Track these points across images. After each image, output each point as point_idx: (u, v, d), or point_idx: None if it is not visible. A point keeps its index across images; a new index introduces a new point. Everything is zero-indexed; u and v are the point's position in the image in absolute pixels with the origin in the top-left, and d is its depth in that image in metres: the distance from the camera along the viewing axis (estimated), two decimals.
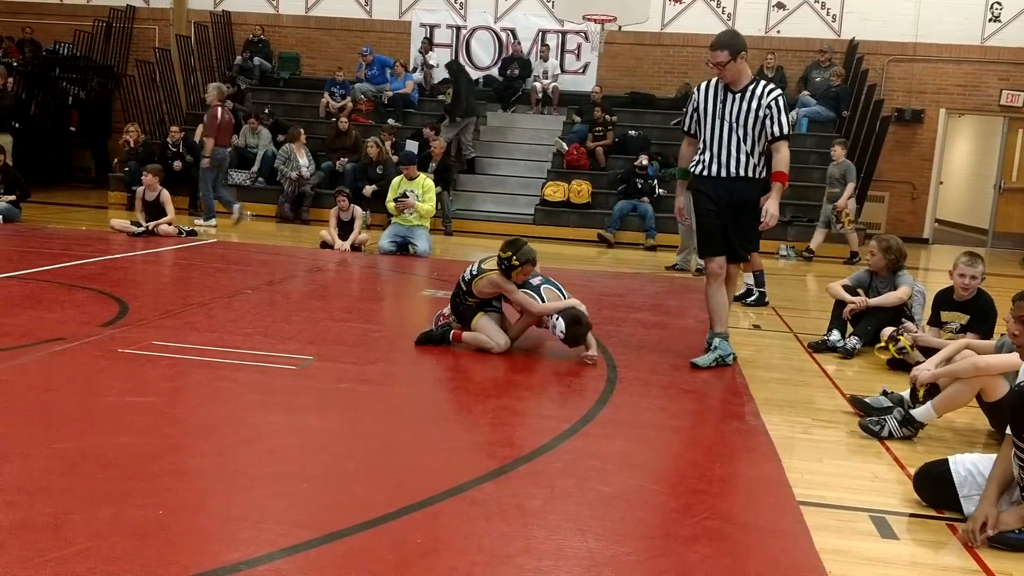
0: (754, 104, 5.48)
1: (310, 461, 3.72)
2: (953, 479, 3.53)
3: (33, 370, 4.84)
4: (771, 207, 5.47)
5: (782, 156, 5.55)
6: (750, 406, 4.88)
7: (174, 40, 17.68)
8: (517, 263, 5.61)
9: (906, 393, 4.78)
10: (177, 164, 13.93)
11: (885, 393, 4.91)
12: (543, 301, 5.68)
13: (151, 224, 10.77)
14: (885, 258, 6.58)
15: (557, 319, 5.51)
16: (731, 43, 5.45)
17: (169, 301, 6.94)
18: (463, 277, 5.86)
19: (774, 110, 5.47)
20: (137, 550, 2.79)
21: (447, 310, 6.08)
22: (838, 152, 12.36)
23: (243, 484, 3.44)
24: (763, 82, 5.61)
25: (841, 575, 2.96)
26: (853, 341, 6.39)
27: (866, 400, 4.87)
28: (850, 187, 12.21)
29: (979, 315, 5.86)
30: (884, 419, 4.51)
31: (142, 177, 11.12)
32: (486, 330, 5.71)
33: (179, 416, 4.26)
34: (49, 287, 7.23)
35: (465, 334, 5.75)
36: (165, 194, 10.95)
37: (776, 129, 5.49)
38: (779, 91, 5.60)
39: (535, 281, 5.81)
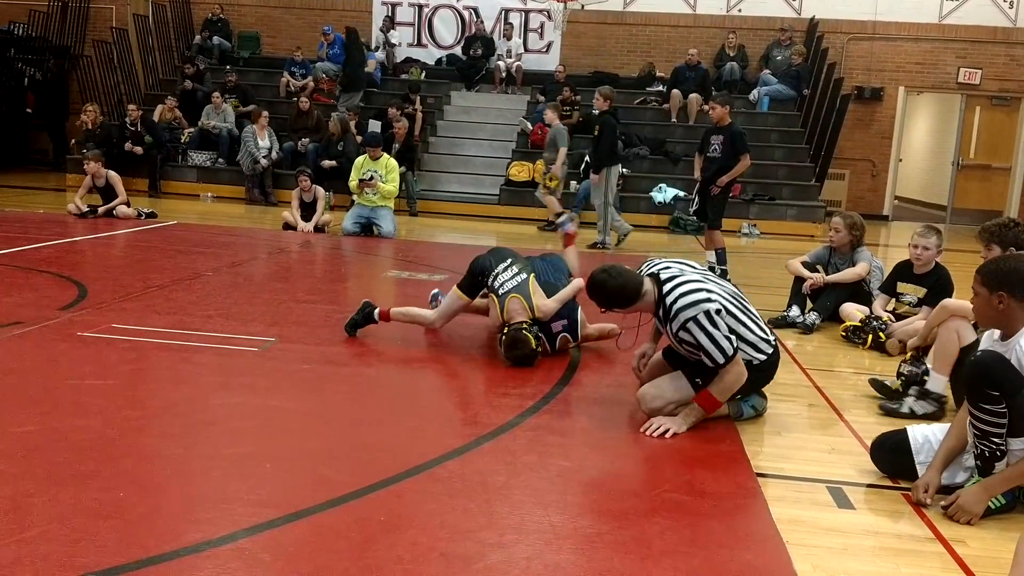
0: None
1: (272, 441, 3.72)
2: (910, 446, 3.61)
3: None
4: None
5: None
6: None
7: (132, 20, 17.37)
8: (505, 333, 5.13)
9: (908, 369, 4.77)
10: (137, 149, 13.74)
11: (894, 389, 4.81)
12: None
13: (102, 208, 10.62)
14: (850, 235, 6.66)
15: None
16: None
17: (129, 284, 6.87)
18: (499, 284, 5.25)
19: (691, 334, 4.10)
20: (98, 532, 2.79)
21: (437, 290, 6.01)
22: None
23: (205, 465, 3.43)
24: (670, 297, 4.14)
25: (798, 544, 3.02)
26: (812, 317, 6.48)
27: (887, 383, 4.83)
28: (562, 152, 12.02)
29: (936, 288, 5.96)
30: (902, 399, 4.58)
31: (84, 166, 10.87)
32: (441, 306, 5.62)
33: (140, 398, 4.23)
34: (6, 271, 7.12)
35: (394, 311, 5.57)
36: (113, 176, 10.76)
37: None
38: (689, 310, 4.05)
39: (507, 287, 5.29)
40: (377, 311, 5.58)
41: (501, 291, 5.22)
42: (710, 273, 4.47)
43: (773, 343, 4.36)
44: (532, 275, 5.33)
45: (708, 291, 4.10)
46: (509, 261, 5.38)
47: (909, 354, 5.05)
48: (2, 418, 3.79)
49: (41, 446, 3.48)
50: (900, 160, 17.22)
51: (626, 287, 4.13)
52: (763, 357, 4.28)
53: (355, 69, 15.13)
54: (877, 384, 4.88)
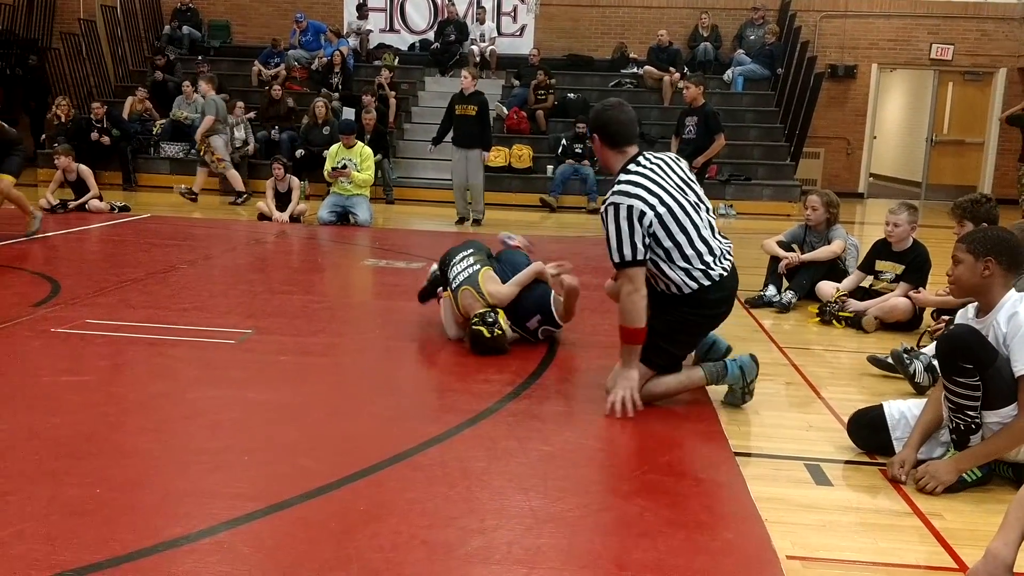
0: None
1: (251, 434, 3.70)
2: (887, 422, 3.64)
3: None
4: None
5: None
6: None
7: (99, 10, 17.13)
8: (475, 322, 5.02)
9: (929, 350, 4.70)
10: (105, 139, 13.59)
11: (906, 351, 4.77)
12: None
13: (74, 203, 10.51)
14: (827, 212, 6.69)
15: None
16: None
17: (102, 278, 6.80)
18: (454, 275, 5.20)
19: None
20: (75, 529, 2.76)
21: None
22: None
23: (183, 459, 3.41)
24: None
25: (776, 521, 3.04)
26: (789, 295, 6.51)
27: (887, 360, 4.81)
28: (208, 120, 12.19)
29: (913, 265, 6.02)
30: (914, 359, 4.58)
31: (55, 160, 10.76)
32: (444, 318, 5.36)
33: (116, 394, 4.20)
34: None
35: (444, 301, 5.38)
36: (84, 169, 10.68)
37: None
38: (616, 192, 4.02)
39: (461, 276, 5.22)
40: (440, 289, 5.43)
41: (454, 285, 5.17)
42: (682, 183, 4.12)
43: (717, 278, 4.04)
44: (486, 267, 5.21)
45: (649, 193, 3.92)
46: (468, 252, 5.32)
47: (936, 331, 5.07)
48: None
49: (15, 444, 3.45)
50: (875, 137, 17.30)
51: (623, 127, 4.09)
52: (694, 285, 4.01)
53: None
54: (878, 361, 4.88)
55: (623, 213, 3.92)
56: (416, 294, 5.73)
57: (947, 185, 16.55)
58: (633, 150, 4.14)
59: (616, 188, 4.02)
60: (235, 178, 12.89)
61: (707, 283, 4.04)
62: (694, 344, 4.36)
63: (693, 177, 4.28)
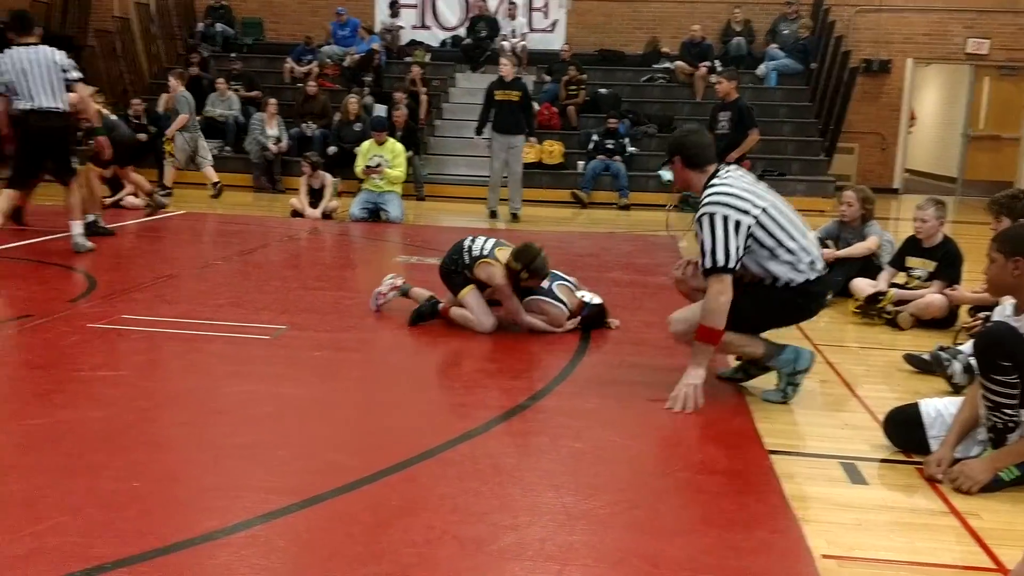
0: None
1: (285, 428, 3.73)
2: (923, 420, 3.60)
3: (2, 347, 4.80)
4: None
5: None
6: (720, 360, 4.91)
7: (134, 8, 17.33)
8: (526, 276, 5.22)
9: (966, 348, 4.64)
10: (142, 136, 13.75)
11: (941, 349, 4.76)
12: (559, 302, 5.40)
13: (109, 199, 10.63)
14: (863, 208, 6.62)
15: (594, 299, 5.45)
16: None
17: (138, 274, 6.88)
18: (469, 249, 5.41)
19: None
20: (112, 522, 2.80)
21: (383, 287, 5.79)
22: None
23: (218, 453, 3.45)
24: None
25: (811, 520, 3.01)
26: None
27: (924, 356, 4.77)
28: (181, 118, 12.13)
29: (945, 262, 5.95)
30: (952, 359, 4.54)
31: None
32: (473, 309, 5.39)
33: (151, 388, 4.24)
34: (16, 264, 7.14)
35: (453, 310, 5.47)
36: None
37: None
38: (709, 203, 4.06)
39: (545, 283, 5.44)
40: (440, 306, 5.51)
41: (473, 265, 5.34)
42: (767, 192, 4.23)
43: (823, 271, 4.20)
44: (501, 247, 5.38)
45: (742, 200, 4.02)
46: (475, 237, 5.51)
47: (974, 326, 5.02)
48: (14, 411, 3.81)
49: (53, 438, 3.50)
50: (910, 132, 17.08)
51: (703, 150, 4.24)
52: (801, 280, 4.10)
53: None
54: (915, 359, 4.82)
55: (719, 222, 4.00)
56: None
57: (983, 180, 16.32)
58: (712, 168, 4.24)
59: (708, 199, 4.08)
60: (210, 174, 12.97)
61: (813, 276, 4.14)
62: (777, 324, 4.43)
63: None
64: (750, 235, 4.02)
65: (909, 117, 16.94)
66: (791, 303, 4.23)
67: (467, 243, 5.47)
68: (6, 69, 7.25)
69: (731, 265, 4.00)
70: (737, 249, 3.99)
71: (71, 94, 7.55)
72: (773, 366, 4.31)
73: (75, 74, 7.58)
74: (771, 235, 4.06)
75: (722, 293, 4.01)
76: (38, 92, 7.26)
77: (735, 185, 4.10)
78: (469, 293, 5.40)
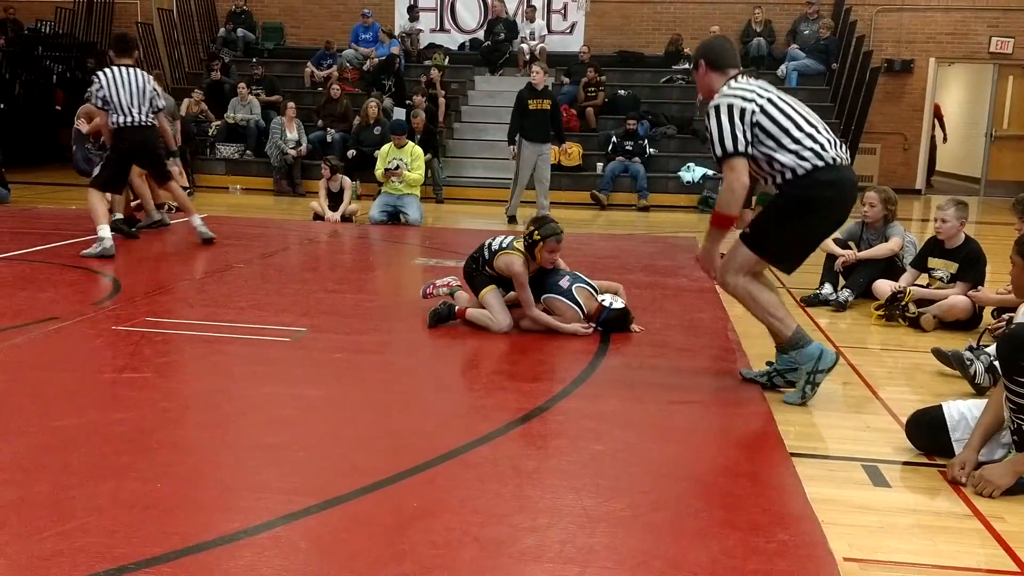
0: None
1: (306, 430, 3.75)
2: (946, 423, 3.57)
3: (28, 350, 4.85)
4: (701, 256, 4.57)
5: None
6: (743, 362, 4.91)
7: (156, 14, 17.48)
8: (539, 237, 5.33)
9: (992, 349, 4.54)
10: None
11: (971, 349, 4.73)
12: (575, 303, 5.44)
13: (134, 202, 10.69)
14: (885, 209, 6.57)
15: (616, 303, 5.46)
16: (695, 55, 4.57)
17: (161, 277, 6.95)
18: (489, 244, 5.55)
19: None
20: (136, 523, 2.82)
21: (439, 281, 5.94)
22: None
23: (240, 455, 3.47)
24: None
25: (833, 523, 3.00)
26: (845, 294, 6.42)
27: (948, 353, 4.71)
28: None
29: (967, 263, 5.90)
30: (975, 361, 4.51)
31: None
32: (491, 308, 5.46)
33: (174, 390, 4.28)
34: (41, 267, 7.23)
35: (469, 311, 5.52)
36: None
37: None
38: (717, 99, 4.24)
39: (564, 284, 5.50)
40: (457, 308, 5.56)
41: (493, 259, 5.48)
42: (778, 91, 4.31)
43: (831, 161, 4.11)
44: (519, 239, 5.49)
45: (748, 92, 4.15)
46: (499, 236, 5.63)
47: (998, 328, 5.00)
48: (41, 412, 3.85)
49: (79, 439, 3.53)
50: (944, 142, 16.81)
51: (725, 52, 4.39)
52: (807, 166, 4.08)
53: None
54: (941, 354, 4.76)
55: (723, 112, 4.14)
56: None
57: (1007, 181, 16.16)
58: (734, 72, 4.35)
59: (717, 97, 4.23)
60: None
61: (820, 163, 4.11)
62: (801, 238, 4.34)
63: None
64: (756, 124, 4.11)
65: (942, 130, 16.86)
66: (804, 202, 4.17)
67: (488, 241, 5.60)
68: (103, 85, 7.95)
69: (740, 149, 4.10)
70: (744, 133, 4.10)
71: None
72: (796, 360, 4.27)
73: (161, 102, 8.44)
74: (776, 123, 4.12)
75: (736, 180, 4.13)
76: (131, 108, 7.97)
77: (746, 85, 4.22)
78: (489, 292, 5.48)
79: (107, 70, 8.11)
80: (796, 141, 4.11)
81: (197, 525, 2.84)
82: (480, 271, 5.55)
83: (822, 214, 4.26)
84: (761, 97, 4.15)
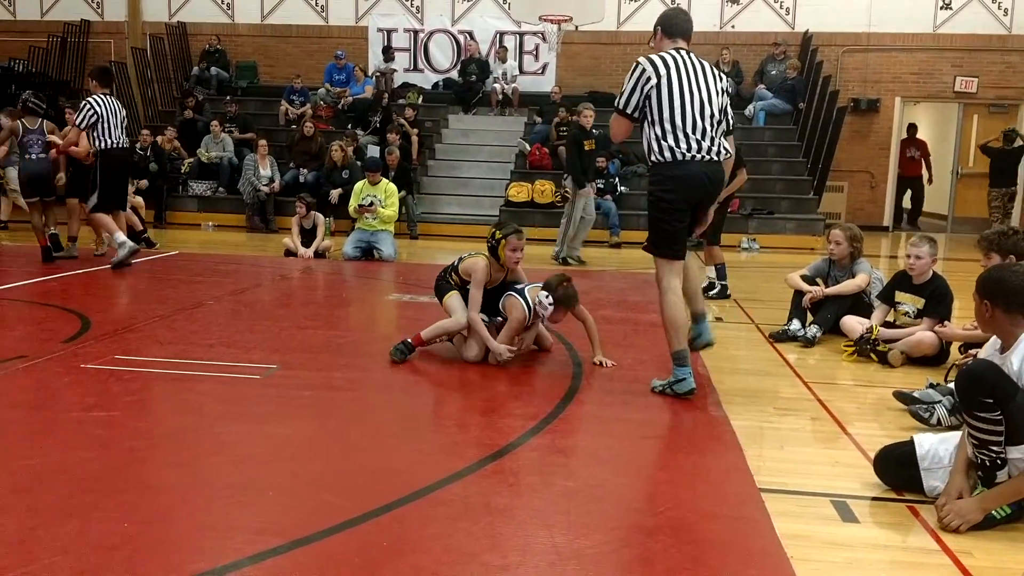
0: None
1: (275, 469, 3.72)
2: (916, 455, 3.59)
3: None
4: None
5: None
6: (713, 397, 4.94)
7: (130, 53, 17.51)
8: (500, 236, 5.66)
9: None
10: (152, 166, 13.92)
11: (932, 386, 4.81)
12: (526, 302, 5.58)
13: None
14: (851, 246, 6.66)
15: (548, 300, 5.56)
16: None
17: (131, 315, 6.89)
18: (460, 258, 5.87)
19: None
20: (103, 564, 2.79)
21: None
22: None
23: (208, 494, 3.44)
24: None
25: (803, 559, 3.01)
26: (813, 330, 6.48)
27: (914, 394, 4.76)
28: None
29: (934, 298, 5.98)
30: (934, 407, 4.55)
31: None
32: (452, 309, 5.63)
33: (143, 429, 4.24)
34: (10, 305, 7.16)
35: (423, 332, 5.59)
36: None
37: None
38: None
39: (520, 286, 5.73)
40: (411, 339, 5.60)
41: (459, 266, 5.81)
42: (705, 83, 4.80)
43: (679, 157, 4.70)
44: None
45: (662, 64, 4.75)
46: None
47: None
48: (8, 451, 3.80)
49: (46, 478, 3.49)
50: (928, 178, 17.13)
51: (677, 21, 5.01)
52: (658, 158, 4.76)
53: None
54: (905, 396, 4.80)
55: (636, 70, 4.79)
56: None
57: (974, 217, 16.44)
58: (681, 44, 4.92)
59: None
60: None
61: (668, 158, 4.73)
62: (668, 227, 4.87)
63: (723, 93, 4.92)
64: (647, 95, 4.73)
65: (928, 170, 17.26)
66: (655, 198, 4.86)
67: (460, 255, 5.90)
68: (97, 111, 9.00)
69: (622, 107, 4.82)
70: (636, 99, 4.76)
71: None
72: (674, 375, 4.89)
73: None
74: (660, 104, 4.70)
75: (614, 131, 4.99)
76: (115, 131, 9.15)
77: (672, 57, 4.79)
78: (452, 296, 5.71)
79: (97, 97, 9.09)
80: (662, 129, 4.73)
81: (164, 566, 2.81)
82: (447, 279, 5.82)
83: (669, 203, 4.83)
84: (666, 77, 4.71)
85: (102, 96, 9.12)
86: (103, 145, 9.09)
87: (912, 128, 17.30)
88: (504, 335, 5.59)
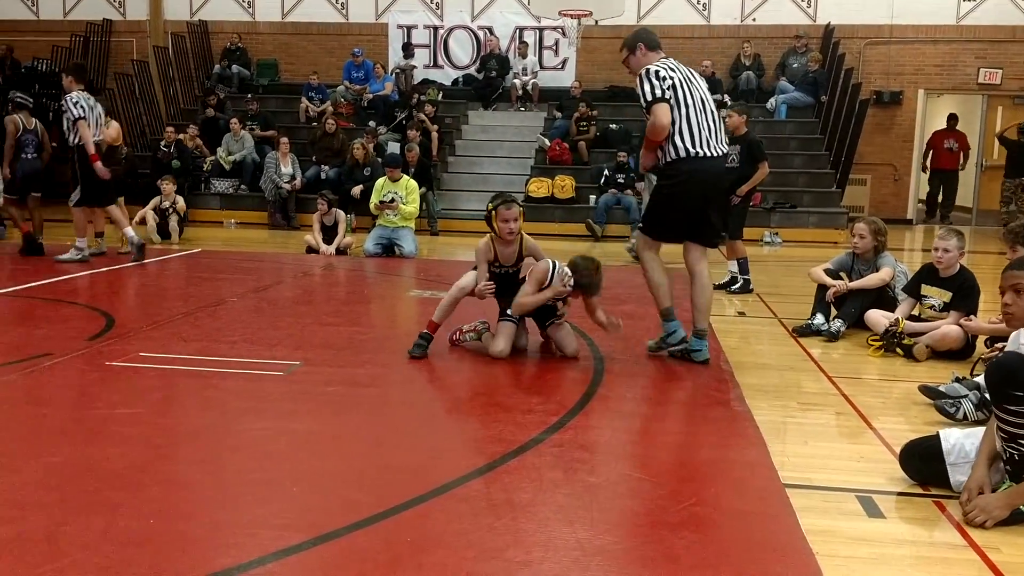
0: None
1: (299, 465, 3.73)
2: (942, 449, 3.56)
3: (22, 386, 4.84)
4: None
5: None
6: (736, 392, 4.92)
7: (152, 52, 17.63)
8: (491, 207, 5.73)
9: (980, 378, 4.57)
10: (175, 163, 14.02)
11: (958, 380, 4.78)
12: (552, 263, 5.68)
13: None
14: (875, 240, 6.61)
15: (570, 280, 5.58)
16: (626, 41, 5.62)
17: (155, 312, 6.94)
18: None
19: None
20: (129, 559, 2.81)
21: (465, 326, 5.94)
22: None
23: (233, 490, 3.46)
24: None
25: (828, 555, 2.99)
26: (837, 324, 6.44)
27: (940, 388, 4.74)
28: None
29: (961, 292, 5.92)
30: (960, 401, 4.50)
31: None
32: (459, 282, 5.77)
33: (168, 426, 4.27)
34: (35, 303, 7.22)
35: (435, 316, 5.71)
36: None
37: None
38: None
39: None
40: (425, 330, 5.66)
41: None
42: (695, 84, 5.37)
43: (694, 154, 5.21)
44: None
45: (667, 70, 5.26)
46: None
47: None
48: (34, 448, 3.84)
49: (72, 475, 3.52)
50: (961, 168, 17.01)
51: (655, 38, 5.53)
52: (673, 156, 5.23)
53: None
54: (930, 390, 4.76)
55: (651, 74, 5.21)
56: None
57: (998, 211, 16.26)
58: (663, 55, 5.44)
59: (646, 66, 5.30)
60: None
61: (683, 155, 5.22)
62: (669, 220, 5.47)
63: (706, 88, 5.49)
64: (670, 87, 5.19)
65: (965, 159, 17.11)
66: (661, 188, 5.44)
67: None
68: (84, 106, 9.15)
69: (658, 95, 5.16)
70: (659, 86, 5.17)
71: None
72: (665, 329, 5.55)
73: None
74: (678, 101, 5.18)
75: (658, 120, 5.16)
76: (95, 129, 9.32)
77: (668, 66, 5.30)
78: (465, 276, 5.80)
79: (79, 94, 9.23)
80: (684, 132, 5.19)
81: (189, 562, 2.83)
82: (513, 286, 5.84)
83: (676, 196, 5.35)
84: (674, 76, 5.22)
85: (79, 93, 9.24)
86: (95, 140, 9.31)
87: (953, 119, 17.04)
88: (528, 285, 5.65)
